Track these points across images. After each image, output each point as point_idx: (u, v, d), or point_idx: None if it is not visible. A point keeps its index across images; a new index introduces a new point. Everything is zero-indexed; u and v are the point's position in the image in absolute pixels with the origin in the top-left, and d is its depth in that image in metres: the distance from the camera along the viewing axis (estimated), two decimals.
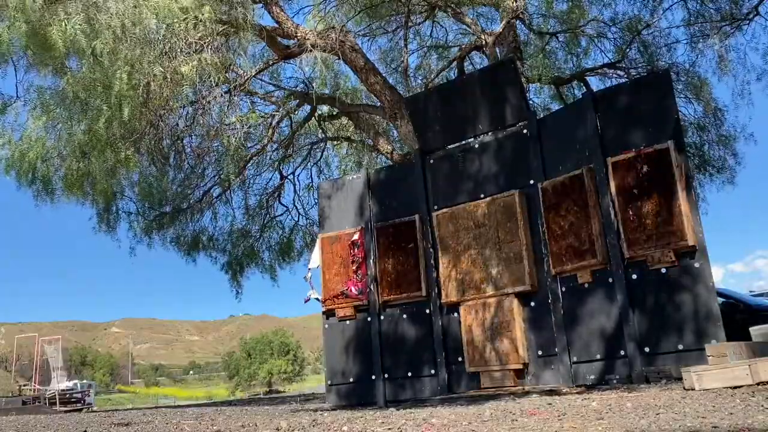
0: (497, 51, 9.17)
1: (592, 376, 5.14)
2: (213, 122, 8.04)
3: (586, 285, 5.25)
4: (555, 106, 11.26)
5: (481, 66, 10.58)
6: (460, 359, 5.88)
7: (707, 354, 4.11)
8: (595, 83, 11.13)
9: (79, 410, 16.95)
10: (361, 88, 10.68)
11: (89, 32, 5.73)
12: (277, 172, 11.24)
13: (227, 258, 11.45)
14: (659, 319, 4.81)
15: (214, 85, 6.90)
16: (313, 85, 10.40)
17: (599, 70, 10.97)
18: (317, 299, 6.74)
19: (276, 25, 8.34)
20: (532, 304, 5.60)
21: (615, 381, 4.92)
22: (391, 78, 10.36)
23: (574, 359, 5.26)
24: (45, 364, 22.81)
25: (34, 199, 8.74)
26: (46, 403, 17.58)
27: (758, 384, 3.58)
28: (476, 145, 6.26)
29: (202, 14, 6.10)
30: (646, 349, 4.82)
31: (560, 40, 11.10)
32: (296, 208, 11.82)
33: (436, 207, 6.31)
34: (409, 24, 9.87)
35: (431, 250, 6.19)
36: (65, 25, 5.73)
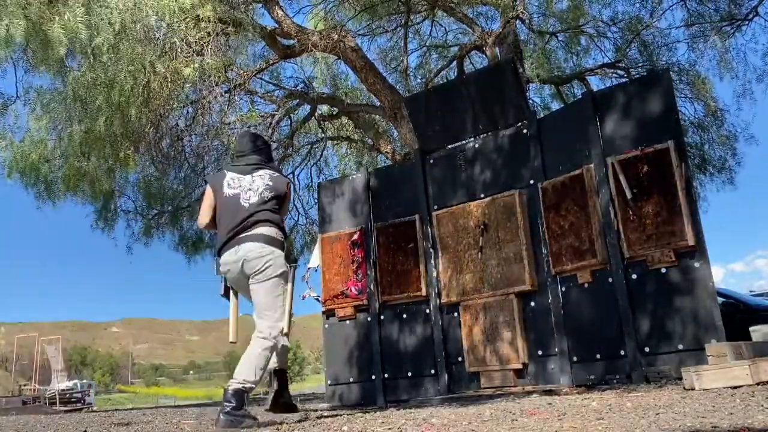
0: (497, 51, 9.17)
1: (592, 376, 5.14)
2: (213, 121, 8.05)
3: (586, 285, 5.24)
4: (555, 106, 11.29)
5: (481, 66, 10.59)
6: (460, 359, 5.88)
7: (707, 354, 4.11)
8: (595, 83, 11.16)
9: (79, 410, 16.95)
10: (360, 88, 10.69)
11: (90, 28, 5.73)
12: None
13: None
14: (659, 319, 4.80)
15: (214, 84, 6.90)
16: (313, 84, 10.41)
17: (599, 70, 10.98)
18: (317, 299, 6.74)
19: (276, 25, 8.34)
20: (532, 304, 5.59)
21: (615, 381, 4.92)
22: (391, 77, 10.38)
23: (574, 359, 5.26)
24: (45, 364, 22.80)
25: (36, 200, 8.80)
26: (46, 403, 17.58)
27: (758, 384, 3.58)
28: (476, 145, 6.26)
29: (204, 13, 6.10)
30: (646, 349, 4.82)
31: (560, 39, 11.12)
32: (296, 207, 11.84)
33: (436, 207, 6.31)
34: (409, 23, 9.88)
35: (431, 250, 6.19)
36: (67, 20, 5.73)
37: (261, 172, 3.59)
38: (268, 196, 3.49)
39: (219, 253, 3.47)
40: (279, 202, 3.56)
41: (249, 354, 3.26)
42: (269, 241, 3.37)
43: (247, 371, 3.18)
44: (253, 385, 3.18)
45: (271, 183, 3.54)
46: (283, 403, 3.67)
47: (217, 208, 3.56)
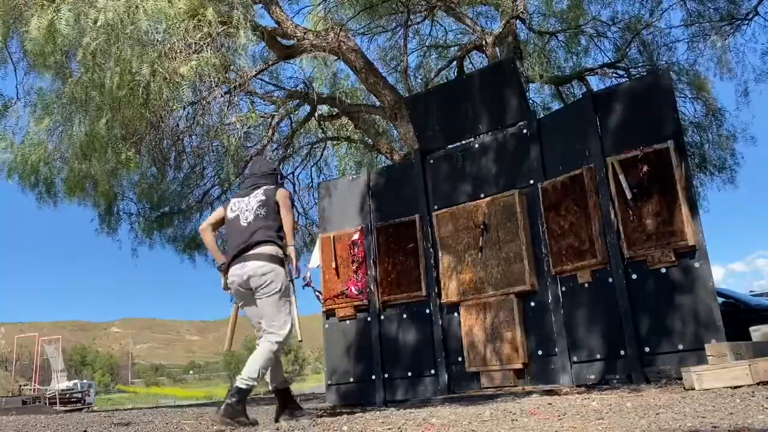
0: (497, 51, 9.17)
1: (593, 376, 5.14)
2: (213, 122, 8.05)
3: (586, 285, 5.25)
4: (555, 106, 11.27)
5: (481, 66, 10.58)
6: (460, 359, 5.88)
7: (707, 354, 4.11)
8: (595, 83, 11.15)
9: (79, 410, 16.94)
10: (360, 88, 10.69)
11: (80, 31, 5.73)
12: None
13: None
14: (659, 319, 4.80)
15: (214, 85, 6.90)
16: (313, 85, 10.41)
17: (599, 70, 10.98)
18: (318, 295, 6.71)
19: (276, 25, 8.34)
20: (532, 304, 5.59)
21: (615, 381, 4.92)
22: (390, 78, 10.37)
23: (574, 359, 5.26)
24: (45, 364, 22.78)
25: (37, 202, 8.82)
26: (46, 403, 17.56)
27: (758, 384, 3.58)
28: (476, 145, 6.26)
29: (203, 14, 6.10)
30: (646, 349, 4.82)
31: (560, 39, 11.11)
32: (296, 207, 11.82)
33: (436, 207, 6.31)
34: (409, 23, 9.87)
35: (431, 250, 6.19)
36: (55, 23, 5.72)
37: (256, 191, 4.05)
38: (263, 213, 3.92)
39: (228, 267, 3.92)
40: (277, 211, 3.97)
41: (255, 355, 3.72)
42: (270, 259, 3.81)
43: (250, 370, 3.65)
44: (255, 383, 3.67)
45: (264, 198, 3.99)
46: (289, 411, 4.04)
47: (225, 229, 4.12)
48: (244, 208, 4.01)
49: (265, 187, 4.08)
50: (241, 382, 3.62)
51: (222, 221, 4.17)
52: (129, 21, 5.66)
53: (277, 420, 3.97)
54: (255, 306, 3.90)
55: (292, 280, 3.91)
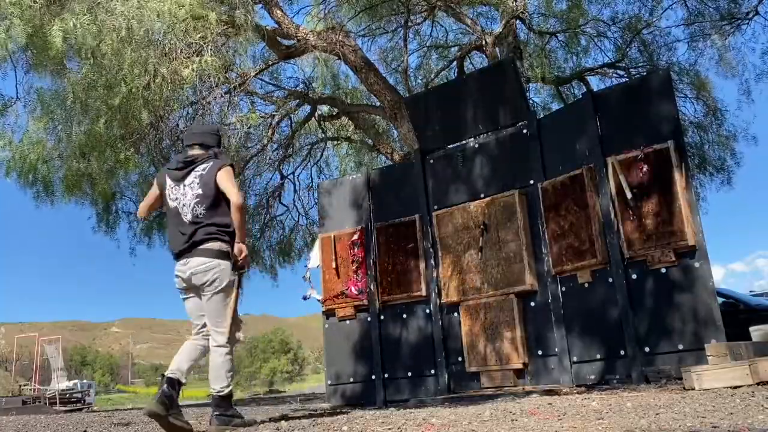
0: (497, 51, 9.17)
1: (592, 376, 5.14)
2: (213, 122, 8.04)
3: (586, 285, 5.25)
4: (555, 106, 11.28)
5: (481, 66, 10.58)
6: (460, 359, 5.89)
7: (707, 354, 4.12)
8: (595, 83, 11.16)
9: (79, 410, 16.94)
10: (361, 88, 10.70)
11: (94, 33, 5.73)
12: (277, 172, 11.26)
13: None
14: (659, 319, 4.81)
15: (214, 85, 6.90)
16: (313, 85, 10.41)
17: (599, 70, 10.98)
18: (318, 300, 6.73)
19: (276, 26, 8.35)
20: (532, 304, 5.60)
21: (615, 381, 4.93)
22: (391, 78, 10.38)
23: (574, 359, 5.26)
24: (45, 364, 22.78)
25: (34, 200, 8.82)
26: (46, 403, 17.56)
27: (758, 384, 3.59)
28: (476, 145, 6.26)
29: (206, 16, 6.11)
30: (646, 349, 4.82)
31: (560, 39, 11.12)
32: (296, 207, 11.84)
33: (436, 207, 6.31)
34: (409, 24, 9.87)
35: (431, 250, 6.20)
36: (70, 24, 5.73)
37: (190, 178, 3.64)
38: (201, 212, 3.57)
39: (176, 259, 3.67)
40: (218, 204, 3.60)
41: (214, 364, 3.52)
42: (215, 254, 3.55)
43: (220, 380, 3.50)
44: (230, 388, 3.52)
45: (201, 191, 3.59)
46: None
47: (167, 215, 3.77)
48: (181, 200, 3.63)
49: (201, 168, 3.64)
50: (217, 393, 3.48)
51: (158, 201, 3.82)
52: (139, 24, 5.65)
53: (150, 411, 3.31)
54: (197, 300, 3.64)
55: (240, 276, 3.66)
